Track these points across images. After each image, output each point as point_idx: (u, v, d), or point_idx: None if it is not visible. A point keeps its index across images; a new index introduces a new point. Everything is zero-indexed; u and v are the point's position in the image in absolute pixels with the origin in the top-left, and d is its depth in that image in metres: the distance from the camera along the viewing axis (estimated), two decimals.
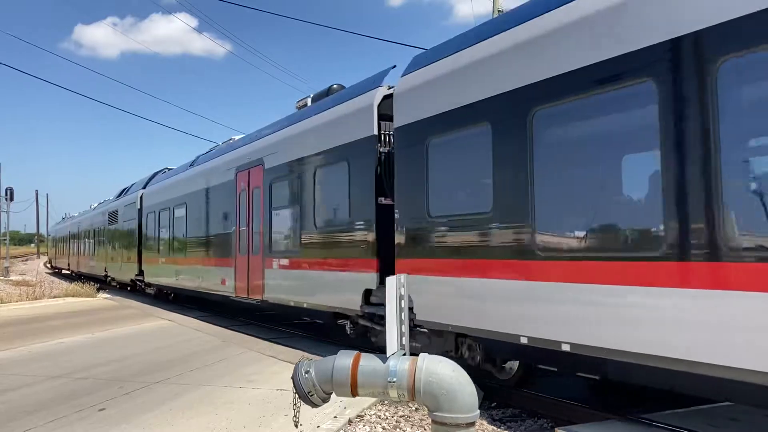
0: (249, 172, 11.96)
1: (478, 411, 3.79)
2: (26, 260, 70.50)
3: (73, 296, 22.24)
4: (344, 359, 3.97)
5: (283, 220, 10.60)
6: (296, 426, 4.31)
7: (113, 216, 24.54)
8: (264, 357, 9.24)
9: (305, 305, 9.59)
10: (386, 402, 6.33)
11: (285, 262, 10.36)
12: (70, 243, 38.64)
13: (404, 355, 4.01)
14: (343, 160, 8.68)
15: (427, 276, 6.81)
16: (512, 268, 5.74)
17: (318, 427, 5.51)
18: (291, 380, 4.12)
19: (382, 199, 7.97)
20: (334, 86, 10.43)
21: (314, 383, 4.00)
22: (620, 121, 4.92)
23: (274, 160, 10.96)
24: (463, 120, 6.45)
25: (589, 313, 4.95)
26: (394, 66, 8.43)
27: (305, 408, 4.18)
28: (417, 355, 3.92)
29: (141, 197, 20.38)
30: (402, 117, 7.44)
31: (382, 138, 8.13)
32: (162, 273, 18.02)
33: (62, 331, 12.48)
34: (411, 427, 5.72)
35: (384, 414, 6.10)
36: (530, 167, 5.58)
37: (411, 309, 6.70)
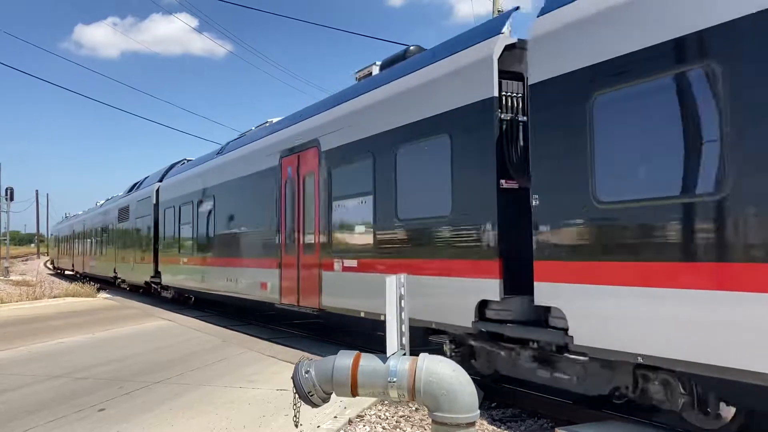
0: (298, 157, 10.16)
1: (478, 411, 3.79)
2: (26, 260, 70.52)
3: (73, 296, 22.24)
4: (344, 359, 3.97)
5: (348, 213, 8.81)
6: (296, 426, 4.31)
7: (124, 213, 22.85)
8: (264, 357, 9.24)
9: (383, 317, 6.64)
10: (386, 402, 6.33)
11: (351, 263, 8.56)
12: (74, 242, 37.09)
13: (404, 355, 4.01)
14: (442, 133, 6.81)
15: (600, 286, 4.95)
16: None
17: (318, 427, 5.51)
18: (291, 380, 4.12)
19: (505, 182, 6.13)
20: (412, 48, 8.77)
21: (314, 383, 4.00)
22: None
23: (334, 140, 9.09)
24: (666, 62, 4.56)
25: None
26: (517, 8, 6.83)
27: (305, 408, 4.18)
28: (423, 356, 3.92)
29: (157, 191, 18.76)
30: (545, 69, 5.56)
31: (504, 101, 6.22)
32: (183, 275, 16.33)
33: (62, 331, 12.48)
34: (411, 427, 5.72)
35: (384, 414, 6.10)
36: None
37: (564, 330, 5.17)
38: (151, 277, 18.96)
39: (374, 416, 6.02)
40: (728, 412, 4.85)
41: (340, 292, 8.88)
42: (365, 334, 9.25)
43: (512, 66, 6.28)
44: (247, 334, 12.00)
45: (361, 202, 8.42)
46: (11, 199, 41.36)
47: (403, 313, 4.10)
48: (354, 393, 3.95)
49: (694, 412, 4.83)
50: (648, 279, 4.58)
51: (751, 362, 3.93)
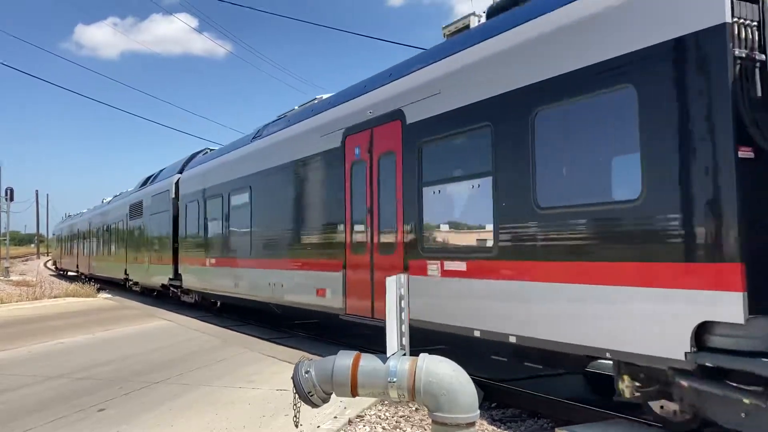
0: (372, 133, 8.22)
1: (479, 411, 3.79)
2: (26, 260, 70.54)
3: (73, 296, 22.23)
4: (344, 359, 3.97)
5: (450, 201, 7.14)
6: (296, 426, 4.31)
7: (136, 209, 20.85)
8: (264, 357, 9.24)
9: (512, 339, 5.80)
10: (386, 402, 6.33)
11: (456, 266, 6.65)
12: (79, 242, 34.90)
13: (404, 355, 4.01)
14: (621, 83, 4.93)
15: None
16: None
17: (318, 427, 5.51)
18: (291, 380, 4.12)
19: (746, 150, 4.28)
20: None
21: (314, 383, 4.00)
22: None
23: (427, 108, 7.16)
24: None
25: None
26: None
27: (305, 408, 4.18)
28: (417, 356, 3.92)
29: (176, 184, 16.82)
30: None
31: (737, 31, 4.35)
32: (209, 277, 14.27)
33: (62, 331, 12.48)
34: (411, 428, 5.72)
35: (384, 414, 6.10)
36: None
37: None
38: (170, 279, 17.01)
39: (374, 416, 6.02)
40: None
41: (438, 302, 6.89)
42: (365, 335, 9.24)
43: None
44: (247, 335, 12.00)
45: (473, 187, 6.58)
46: (11, 199, 41.36)
47: (403, 314, 4.10)
48: (354, 393, 3.95)
49: None
50: None
51: None
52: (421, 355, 3.88)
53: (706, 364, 4.28)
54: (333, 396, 4.11)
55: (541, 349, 5.60)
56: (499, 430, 5.89)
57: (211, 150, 16.97)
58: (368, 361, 3.93)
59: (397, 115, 7.70)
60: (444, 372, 3.75)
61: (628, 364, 4.92)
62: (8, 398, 6.90)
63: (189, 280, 15.95)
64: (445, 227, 7.11)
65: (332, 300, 8.96)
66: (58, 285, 27.66)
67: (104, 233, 27.03)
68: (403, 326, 4.09)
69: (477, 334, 6.26)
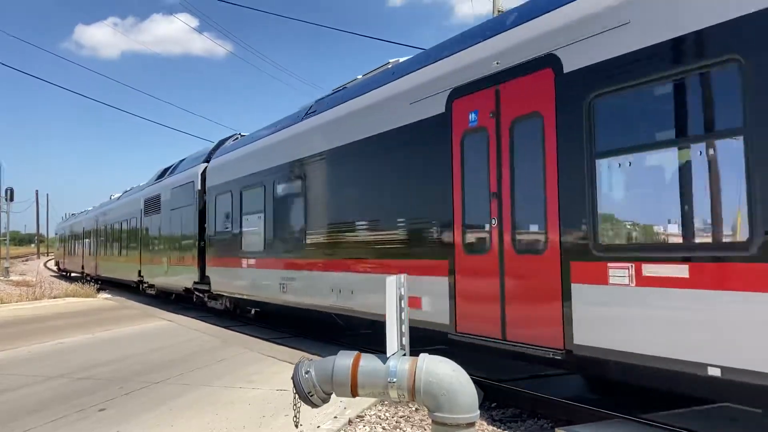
0: (499, 92, 6.24)
1: (479, 411, 3.79)
2: (26, 260, 70.60)
3: (73, 296, 22.23)
4: (344, 359, 3.97)
5: (657, 176, 5.03)
6: (296, 426, 4.31)
7: (152, 204, 18.85)
8: (264, 357, 9.24)
9: None
10: (386, 402, 6.33)
11: (672, 270, 4.66)
12: (85, 241, 32.45)
13: (404, 355, 4.01)
14: None
15: None
16: None
17: (318, 427, 5.51)
18: (291, 380, 4.12)
19: None
20: None
21: (314, 383, 4.00)
22: None
23: (609, 45, 5.20)
24: None
25: None
26: None
27: (305, 408, 4.18)
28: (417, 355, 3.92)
29: (203, 174, 14.79)
30: None
31: None
32: (248, 281, 12.11)
33: (62, 331, 12.48)
34: (411, 428, 5.72)
35: (384, 414, 6.10)
36: None
37: None
38: (195, 282, 14.81)
39: (374, 416, 6.02)
40: None
41: (630, 323, 4.91)
42: (364, 335, 9.24)
43: None
44: (247, 335, 12.00)
45: (700, 153, 4.59)
46: (11, 199, 41.36)
47: (403, 313, 4.10)
48: (354, 393, 3.95)
49: None
50: None
51: None
52: (421, 355, 3.88)
53: None
54: (333, 396, 4.11)
55: None
56: (499, 430, 5.89)
57: (242, 135, 14.79)
58: (368, 361, 3.93)
59: (547, 61, 5.74)
60: (444, 372, 3.76)
61: None
62: (8, 398, 6.90)
63: (219, 284, 13.67)
64: (645, 215, 5.08)
65: (432, 313, 6.95)
66: (58, 285, 27.66)
67: (114, 231, 24.73)
68: (403, 326, 4.10)
69: (715, 372, 4.30)
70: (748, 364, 4.12)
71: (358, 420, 5.86)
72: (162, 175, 19.11)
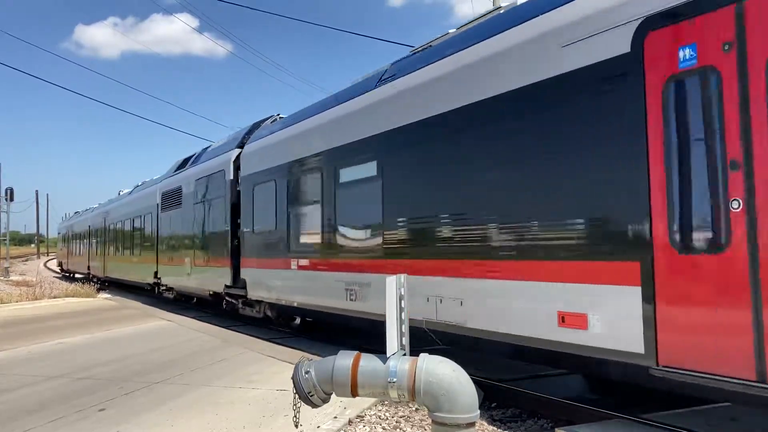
0: (740, 13, 4.31)
1: (479, 411, 3.79)
2: (26, 260, 70.61)
3: (73, 296, 22.24)
4: (344, 359, 3.97)
5: None
6: (296, 426, 4.31)
7: (171, 197, 17.00)
8: (264, 357, 9.24)
9: None
10: (386, 402, 6.33)
11: None
12: (91, 240, 30.37)
13: (404, 355, 4.01)
14: None
15: None
16: None
17: (318, 427, 5.51)
18: (291, 380, 4.12)
19: None
20: None
21: (314, 383, 4.00)
22: None
23: None
24: None
25: None
26: None
27: (305, 408, 4.18)
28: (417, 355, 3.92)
29: (236, 161, 12.86)
30: None
31: None
32: (300, 286, 10.01)
33: (62, 332, 12.48)
34: (411, 428, 5.72)
35: (384, 414, 6.10)
36: None
37: None
38: (227, 286, 12.81)
39: (374, 416, 6.02)
40: None
41: None
42: (365, 335, 9.23)
43: None
44: (247, 335, 12.00)
45: None
46: (11, 199, 41.37)
47: (403, 314, 4.10)
48: (354, 393, 3.95)
49: None
50: None
51: None
52: (422, 355, 3.88)
53: None
54: (333, 396, 4.12)
55: None
56: (499, 430, 5.89)
57: (280, 117, 12.76)
58: (368, 361, 3.93)
59: None
60: (444, 372, 3.76)
61: None
62: (8, 398, 6.90)
63: (257, 288, 11.64)
64: None
65: (610, 336, 5.01)
66: (58, 285, 27.66)
67: (125, 229, 22.77)
68: (403, 326, 4.10)
69: None
70: None
71: (358, 420, 5.86)
72: (182, 165, 17.05)
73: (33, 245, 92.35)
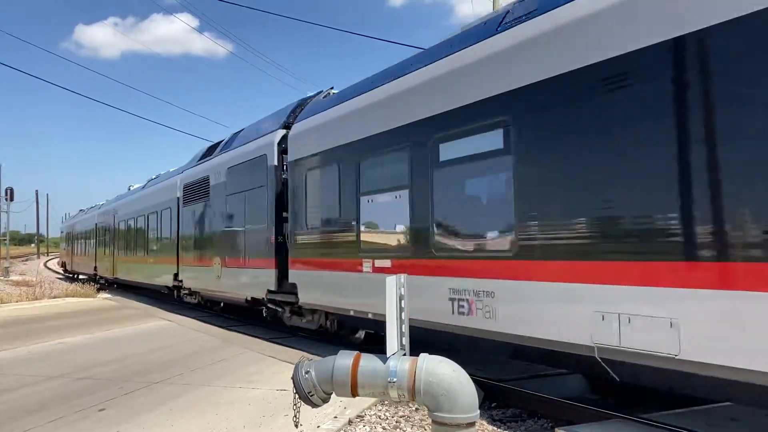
0: None
1: (479, 411, 3.79)
2: (26, 260, 70.59)
3: (73, 296, 22.25)
4: (344, 359, 3.97)
5: None
6: (296, 426, 4.31)
7: (196, 189, 14.99)
8: (264, 357, 9.24)
9: None
10: (386, 402, 6.33)
11: None
12: (98, 239, 28.35)
13: (404, 355, 4.01)
14: None
15: None
16: None
17: (318, 427, 5.51)
18: (291, 380, 4.12)
19: None
20: None
21: (314, 383, 4.00)
22: None
23: None
24: None
25: None
26: None
27: (305, 408, 4.18)
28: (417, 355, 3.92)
29: (281, 143, 10.86)
30: None
31: None
32: (373, 292, 7.75)
33: (62, 332, 12.48)
34: (411, 428, 5.72)
35: (384, 414, 6.10)
36: None
37: None
38: (271, 291, 10.78)
39: (374, 416, 6.02)
40: None
41: None
42: (365, 335, 9.24)
43: None
44: (247, 335, 12.00)
45: None
46: (11, 199, 41.36)
47: (403, 314, 4.10)
48: (354, 393, 3.95)
49: None
50: None
51: None
52: (422, 355, 3.88)
53: None
54: (333, 396, 4.12)
55: None
56: (499, 430, 5.89)
57: (332, 92, 10.77)
58: (368, 361, 3.93)
59: None
60: (444, 372, 3.76)
61: None
62: (8, 398, 6.90)
63: (313, 295, 9.58)
64: None
65: None
66: (58, 285, 27.67)
67: (138, 227, 20.88)
68: (403, 326, 4.10)
69: None
70: None
71: (358, 420, 5.86)
72: (208, 154, 15.08)
73: (33, 245, 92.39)
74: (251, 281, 11.63)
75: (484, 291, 6.18)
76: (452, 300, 6.55)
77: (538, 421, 6.11)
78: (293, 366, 4.19)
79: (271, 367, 8.36)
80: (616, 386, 6.29)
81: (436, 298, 6.72)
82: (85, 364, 8.86)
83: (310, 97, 11.25)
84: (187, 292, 15.87)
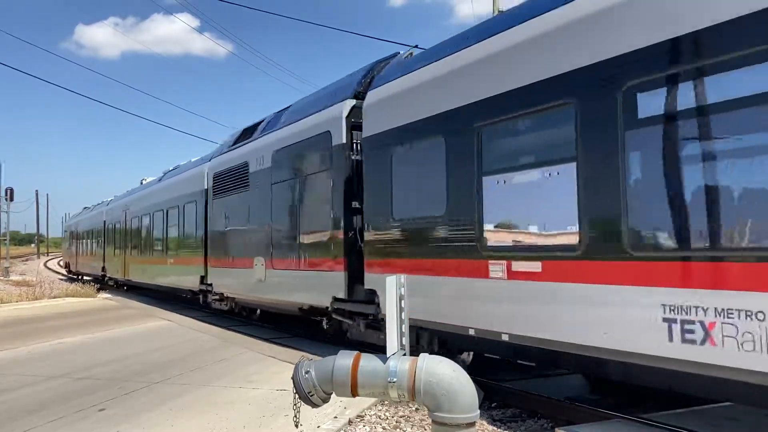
0: None
1: (478, 411, 3.79)
2: (26, 260, 70.56)
3: (73, 296, 22.25)
4: (344, 359, 3.97)
5: None
6: (296, 426, 4.31)
7: (232, 178, 12.71)
8: (264, 357, 9.24)
9: None
10: (386, 402, 6.33)
11: None
12: (108, 238, 25.99)
13: (404, 355, 4.01)
14: None
15: None
16: None
17: (318, 427, 5.51)
18: (291, 380, 4.12)
19: None
20: None
21: (314, 383, 4.01)
22: None
23: None
24: None
25: None
26: None
27: (305, 408, 4.18)
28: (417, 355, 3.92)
29: (350, 117, 8.68)
30: None
31: None
32: (508, 305, 5.70)
33: (62, 331, 12.48)
34: (411, 428, 5.72)
35: (384, 414, 6.10)
36: None
37: None
38: (338, 299, 8.67)
39: (374, 416, 6.02)
40: None
41: None
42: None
43: None
44: (247, 335, 12.00)
45: None
46: (11, 199, 41.37)
47: (403, 313, 4.10)
48: (354, 393, 3.95)
49: None
50: None
51: None
52: (422, 355, 3.88)
53: None
54: (333, 396, 4.12)
55: None
56: (499, 430, 5.89)
57: (415, 50, 8.80)
58: (368, 361, 3.93)
59: None
60: (444, 372, 3.76)
61: None
62: (8, 398, 6.90)
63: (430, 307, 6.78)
64: None
65: None
66: (58, 285, 27.65)
67: (154, 224, 18.71)
68: (403, 326, 4.10)
69: None
70: None
71: (358, 420, 5.86)
72: (245, 136, 12.75)
73: (33, 245, 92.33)
74: (309, 286, 9.48)
75: (740, 310, 3.99)
76: (668, 322, 4.39)
77: (538, 421, 6.11)
78: (293, 366, 4.19)
79: (271, 367, 8.35)
80: (616, 386, 6.30)
81: (635, 318, 4.60)
82: (85, 364, 8.86)
83: (385, 60, 8.92)
84: (217, 297, 13.51)
